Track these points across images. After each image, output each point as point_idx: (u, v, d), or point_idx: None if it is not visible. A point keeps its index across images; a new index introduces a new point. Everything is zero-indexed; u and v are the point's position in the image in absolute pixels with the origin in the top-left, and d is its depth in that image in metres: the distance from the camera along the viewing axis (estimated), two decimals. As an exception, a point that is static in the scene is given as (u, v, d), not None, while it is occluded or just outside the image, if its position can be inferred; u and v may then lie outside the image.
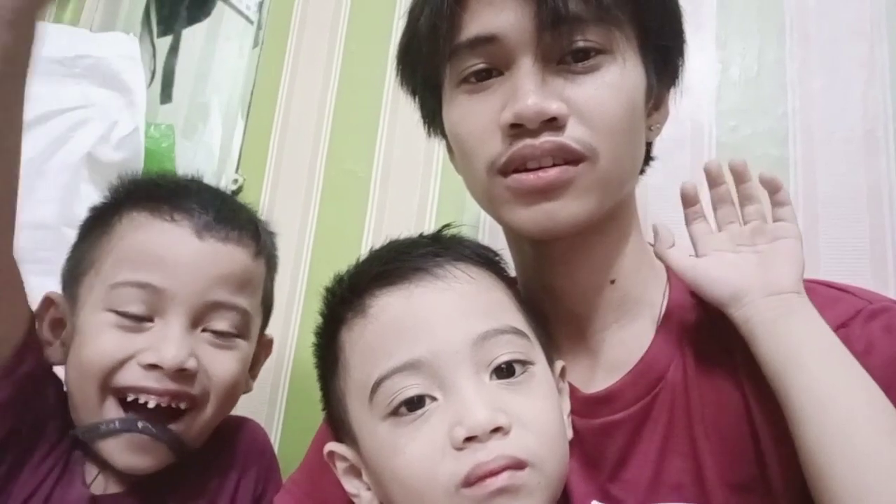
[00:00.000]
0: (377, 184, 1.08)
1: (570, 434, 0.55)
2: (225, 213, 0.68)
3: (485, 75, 0.56)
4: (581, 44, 0.53)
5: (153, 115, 1.19)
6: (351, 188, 1.09)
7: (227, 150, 1.16)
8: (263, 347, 0.77)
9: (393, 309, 0.53)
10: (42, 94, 1.01)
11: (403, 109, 1.10)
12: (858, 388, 0.47)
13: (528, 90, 0.52)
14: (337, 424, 0.58)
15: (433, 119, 0.67)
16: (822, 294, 0.53)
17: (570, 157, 0.53)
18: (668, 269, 0.63)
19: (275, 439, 0.99)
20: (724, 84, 0.91)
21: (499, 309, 0.54)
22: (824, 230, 0.82)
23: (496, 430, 0.47)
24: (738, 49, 0.92)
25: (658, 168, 0.69)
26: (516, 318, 0.54)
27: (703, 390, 0.55)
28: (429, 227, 1.01)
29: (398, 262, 0.55)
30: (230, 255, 0.67)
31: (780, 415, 0.49)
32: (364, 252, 1.01)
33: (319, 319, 0.59)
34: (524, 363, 0.52)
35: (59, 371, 0.67)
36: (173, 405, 0.64)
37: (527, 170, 0.54)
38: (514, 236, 0.64)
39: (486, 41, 0.55)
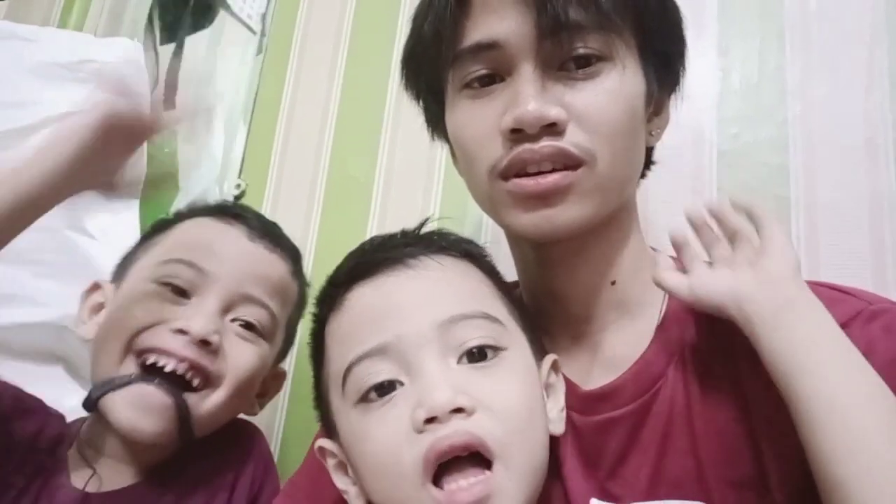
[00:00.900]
0: (379, 190, 1.08)
1: (560, 429, 0.56)
2: (276, 232, 0.78)
3: (487, 81, 0.57)
4: (581, 51, 0.54)
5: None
6: (353, 194, 1.09)
7: (229, 157, 1.17)
8: (275, 378, 0.80)
9: (365, 298, 0.55)
10: (46, 98, 1.01)
11: (406, 115, 1.11)
12: (869, 390, 0.46)
13: (529, 96, 0.53)
14: (324, 420, 0.59)
15: (437, 123, 0.68)
16: (823, 295, 0.52)
17: (570, 162, 0.54)
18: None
19: (275, 444, 0.99)
20: (725, 91, 0.92)
21: (470, 295, 0.55)
22: (825, 237, 0.82)
23: (457, 410, 0.48)
24: (738, 56, 0.92)
25: (659, 175, 0.69)
26: (490, 305, 0.55)
27: (703, 388, 0.55)
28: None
29: (373, 254, 0.57)
30: (272, 262, 0.74)
31: (778, 414, 0.49)
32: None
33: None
34: (496, 349, 0.52)
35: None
36: (188, 376, 0.66)
37: (527, 174, 0.55)
38: (516, 238, 0.64)
39: (488, 47, 0.56)
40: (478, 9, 0.56)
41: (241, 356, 0.70)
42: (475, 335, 0.52)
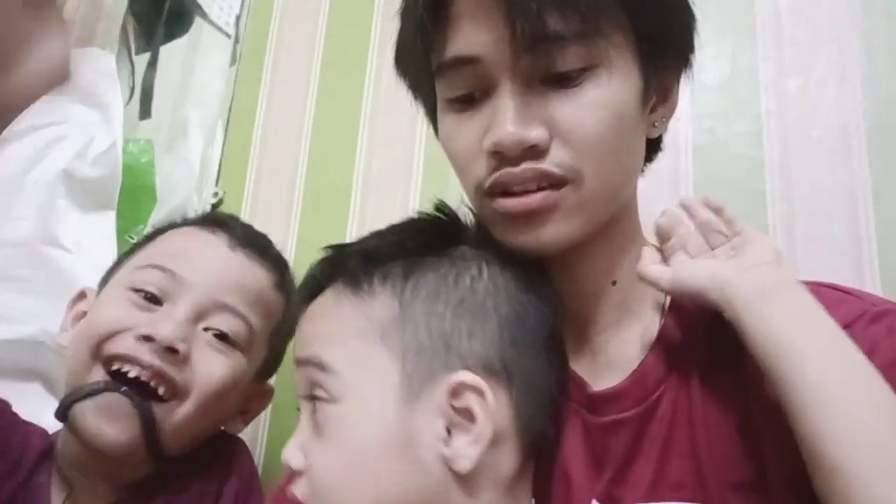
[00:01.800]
0: (357, 195, 1.08)
1: (461, 466, 0.48)
2: (261, 243, 0.76)
3: (469, 97, 0.55)
4: (561, 65, 0.52)
5: (132, 131, 1.18)
6: (331, 200, 1.09)
7: (206, 165, 1.16)
8: (261, 396, 0.78)
9: None
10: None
11: (382, 120, 1.11)
12: (854, 367, 0.45)
13: (507, 118, 0.51)
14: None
15: (435, 117, 0.65)
16: (826, 296, 0.52)
17: (553, 181, 0.52)
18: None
19: (259, 454, 0.98)
20: (699, 87, 0.92)
21: None
22: (802, 228, 0.82)
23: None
24: (711, 52, 0.93)
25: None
26: None
27: (705, 390, 0.55)
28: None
29: None
30: (252, 272, 0.72)
31: (780, 417, 0.48)
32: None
33: None
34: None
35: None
36: (152, 384, 0.64)
37: (512, 193, 0.53)
38: None
39: (467, 62, 0.54)
40: (455, 19, 0.54)
41: (210, 367, 0.67)
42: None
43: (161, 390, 0.65)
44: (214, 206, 1.13)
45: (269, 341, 0.76)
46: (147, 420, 0.64)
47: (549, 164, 0.52)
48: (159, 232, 0.77)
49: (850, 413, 0.43)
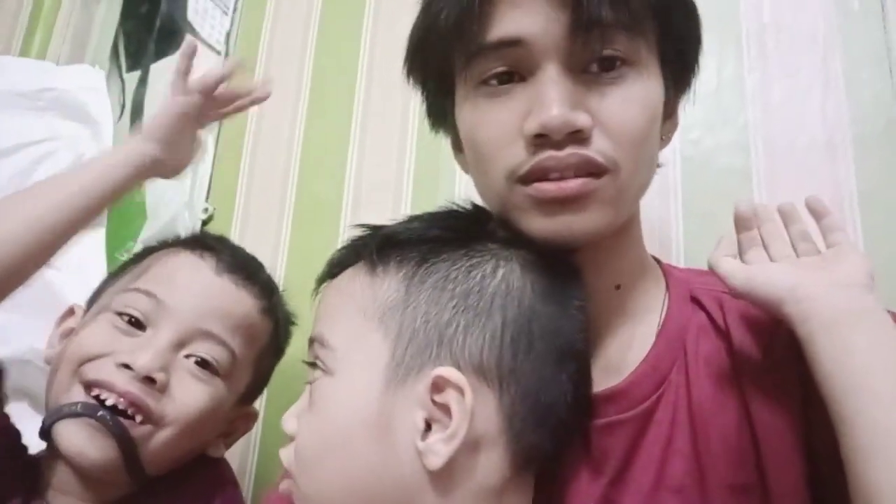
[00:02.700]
0: (348, 210, 1.08)
1: (433, 463, 0.46)
2: (250, 267, 0.75)
3: (506, 79, 0.55)
4: (608, 52, 0.52)
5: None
6: (321, 215, 1.09)
7: (197, 181, 1.16)
8: (245, 418, 0.78)
9: None
10: (6, 127, 1.00)
11: (372, 135, 1.11)
12: None
13: (554, 100, 0.51)
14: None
15: (441, 116, 0.66)
16: None
17: (594, 170, 0.52)
18: (667, 274, 0.64)
19: (249, 475, 0.97)
20: (684, 98, 0.93)
21: None
22: (789, 238, 0.83)
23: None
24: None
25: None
26: None
27: (704, 392, 0.55)
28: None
29: None
30: (237, 298, 0.72)
31: (779, 422, 0.48)
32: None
33: None
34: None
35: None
36: (129, 411, 0.64)
37: (548, 179, 0.53)
38: None
39: (511, 44, 0.53)
40: (504, 2, 0.53)
41: (189, 396, 0.67)
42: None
43: (137, 418, 0.65)
44: (205, 223, 1.13)
45: (254, 366, 0.75)
46: (125, 442, 0.64)
47: (594, 152, 0.52)
48: (148, 252, 0.77)
49: None
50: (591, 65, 0.53)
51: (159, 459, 0.67)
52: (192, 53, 0.71)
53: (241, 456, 0.97)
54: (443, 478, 0.46)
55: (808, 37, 0.89)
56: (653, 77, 0.55)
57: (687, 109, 0.91)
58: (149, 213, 1.12)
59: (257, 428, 0.99)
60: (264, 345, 0.75)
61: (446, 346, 0.48)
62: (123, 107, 1.25)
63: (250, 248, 1.12)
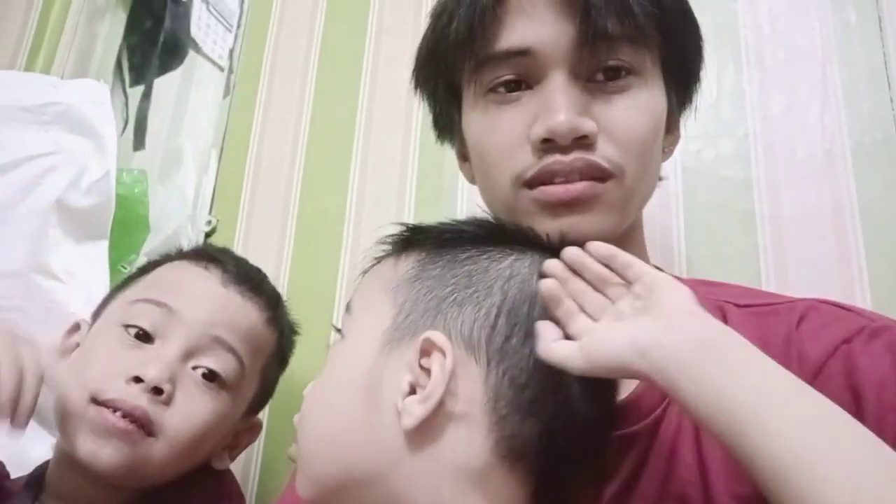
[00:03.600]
0: (350, 223, 1.08)
1: (407, 422, 0.46)
2: (255, 278, 0.76)
3: (514, 87, 0.57)
4: (613, 62, 0.55)
5: (126, 161, 1.19)
6: (324, 228, 1.09)
7: (200, 194, 1.16)
8: (249, 430, 0.78)
9: None
10: (9, 141, 1.01)
11: (375, 147, 1.12)
12: (834, 424, 0.38)
13: (561, 106, 0.53)
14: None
15: (448, 126, 0.67)
16: (825, 312, 0.52)
17: (599, 175, 0.54)
18: None
19: (251, 486, 0.97)
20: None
21: None
22: (791, 247, 0.83)
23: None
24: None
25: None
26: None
27: None
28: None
29: None
30: (244, 309, 0.72)
31: None
32: (339, 291, 1.02)
33: None
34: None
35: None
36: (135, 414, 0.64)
37: (554, 183, 0.54)
38: None
39: (519, 53, 0.55)
40: (513, 12, 0.56)
41: (193, 409, 0.67)
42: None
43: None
44: (208, 235, 1.13)
45: (260, 377, 0.75)
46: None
47: (599, 157, 0.54)
48: (153, 265, 0.77)
49: (837, 477, 0.35)
50: (596, 74, 0.55)
51: (159, 470, 0.67)
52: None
53: (243, 467, 0.97)
54: (418, 442, 0.46)
55: (807, 49, 0.90)
56: (656, 88, 0.57)
57: (688, 121, 0.92)
58: (152, 226, 1.13)
59: (260, 439, 0.99)
60: (270, 355, 0.75)
61: (441, 316, 0.48)
62: (126, 122, 1.26)
63: (253, 260, 1.12)
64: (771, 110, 0.89)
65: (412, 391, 0.46)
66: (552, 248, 0.52)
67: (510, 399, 0.47)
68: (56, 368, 0.69)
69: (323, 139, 1.15)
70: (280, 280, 1.07)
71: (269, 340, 0.75)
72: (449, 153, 0.72)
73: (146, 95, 1.30)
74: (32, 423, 0.90)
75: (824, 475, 0.35)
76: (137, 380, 0.64)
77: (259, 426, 0.79)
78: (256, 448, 0.99)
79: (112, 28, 1.33)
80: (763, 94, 0.90)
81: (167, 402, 0.65)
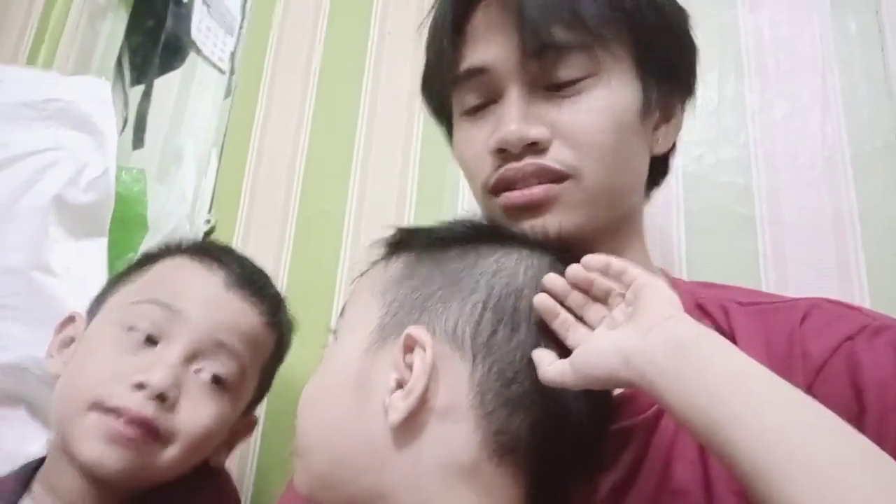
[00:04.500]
0: (350, 223, 1.08)
1: (393, 417, 0.46)
2: (258, 282, 0.75)
3: (482, 104, 0.61)
4: (564, 72, 0.57)
5: (125, 160, 1.19)
6: (324, 228, 1.09)
7: (199, 193, 1.16)
8: (246, 427, 0.78)
9: None
10: (10, 137, 1.00)
11: (376, 149, 1.12)
12: (817, 421, 0.37)
13: (511, 118, 0.57)
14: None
15: (451, 141, 0.71)
16: (828, 310, 0.53)
17: (554, 177, 0.57)
18: (673, 284, 0.64)
19: (247, 485, 0.97)
20: (687, 116, 0.94)
21: None
22: (791, 253, 0.83)
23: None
24: (698, 82, 0.95)
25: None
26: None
27: None
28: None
29: None
30: (245, 312, 0.72)
31: None
32: (338, 293, 1.01)
33: None
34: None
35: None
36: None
37: (515, 189, 0.58)
38: None
39: (478, 72, 0.60)
40: (470, 36, 0.61)
41: (198, 414, 0.66)
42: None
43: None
44: (207, 234, 1.13)
45: (259, 376, 0.75)
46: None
47: (550, 160, 0.57)
48: (150, 259, 0.75)
49: (820, 474, 0.34)
50: (552, 81, 0.58)
51: (161, 475, 0.66)
52: None
53: (238, 467, 0.97)
54: (404, 438, 0.46)
55: (808, 57, 0.91)
56: (619, 84, 0.59)
57: (688, 126, 0.93)
58: (150, 225, 1.12)
59: (256, 441, 0.99)
60: (269, 356, 0.75)
61: (427, 314, 0.49)
62: (126, 120, 1.25)
63: (252, 259, 1.12)
64: (772, 117, 0.90)
65: (399, 388, 0.47)
66: (542, 245, 0.53)
67: (497, 393, 0.47)
68: (54, 365, 0.69)
69: (324, 140, 1.15)
70: (279, 280, 1.07)
71: (268, 342, 0.75)
72: (450, 155, 0.72)
73: (146, 94, 1.29)
74: (25, 415, 0.90)
75: (795, 473, 0.34)
76: (141, 386, 0.63)
77: (254, 422, 0.79)
78: (252, 450, 0.98)
79: (114, 27, 1.33)
80: (764, 101, 0.91)
81: (172, 408, 0.64)
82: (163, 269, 0.73)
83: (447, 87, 0.64)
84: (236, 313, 0.71)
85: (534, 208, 0.56)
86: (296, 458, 0.51)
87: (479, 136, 0.60)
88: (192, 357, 0.67)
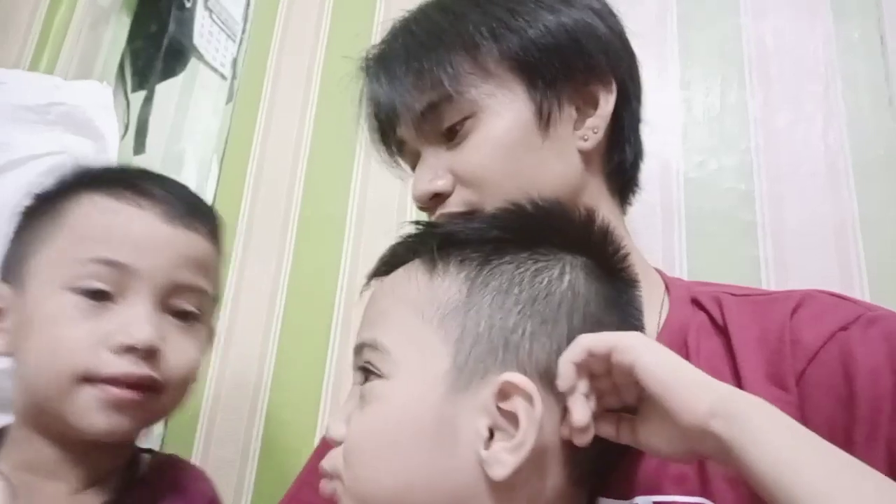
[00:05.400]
0: (352, 228, 1.08)
1: (498, 472, 0.44)
2: (189, 202, 0.70)
3: (411, 160, 0.67)
4: (447, 124, 0.61)
5: (126, 164, 1.19)
6: (325, 234, 1.09)
7: (201, 196, 1.16)
8: (209, 337, 0.74)
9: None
10: (13, 140, 1.01)
11: (377, 156, 1.12)
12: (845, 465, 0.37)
13: (416, 178, 0.64)
14: None
15: None
16: (822, 300, 0.53)
17: (463, 215, 0.60)
18: (667, 280, 0.65)
19: (248, 489, 0.96)
20: (689, 122, 0.94)
21: None
22: (792, 260, 0.83)
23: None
24: (700, 89, 0.95)
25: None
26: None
27: None
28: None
29: None
30: (194, 241, 0.68)
31: None
32: (339, 297, 1.00)
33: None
34: None
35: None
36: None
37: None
38: None
39: (401, 145, 0.67)
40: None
41: (183, 355, 0.65)
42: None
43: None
44: (208, 238, 1.13)
45: (215, 289, 0.72)
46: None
47: (454, 205, 0.61)
48: (54, 200, 0.67)
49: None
50: (442, 137, 0.62)
51: (160, 418, 0.67)
52: None
53: (238, 471, 0.96)
54: (504, 488, 0.45)
55: (810, 65, 0.91)
56: (504, 109, 0.61)
57: (690, 132, 0.93)
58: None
59: (257, 443, 0.98)
60: (218, 269, 0.73)
61: (512, 352, 0.46)
62: (127, 126, 1.26)
63: (253, 266, 1.13)
64: (774, 124, 0.90)
65: (490, 435, 0.45)
66: (584, 228, 0.52)
67: None
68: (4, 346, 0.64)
69: (325, 147, 1.16)
70: (279, 287, 1.07)
71: (216, 259, 0.72)
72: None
73: (148, 100, 1.30)
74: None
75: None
76: (129, 348, 0.60)
77: (212, 331, 0.75)
78: (252, 448, 0.98)
79: (116, 32, 1.34)
80: (766, 109, 0.91)
81: (160, 357, 0.63)
82: (85, 216, 0.65)
83: (390, 157, 0.71)
84: (186, 247, 0.67)
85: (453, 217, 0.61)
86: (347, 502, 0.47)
87: (410, 191, 0.67)
88: (158, 304, 0.64)
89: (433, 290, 0.49)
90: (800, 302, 0.55)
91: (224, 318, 1.07)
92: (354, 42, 1.22)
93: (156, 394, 0.63)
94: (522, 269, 0.49)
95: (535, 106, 0.61)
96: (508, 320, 0.47)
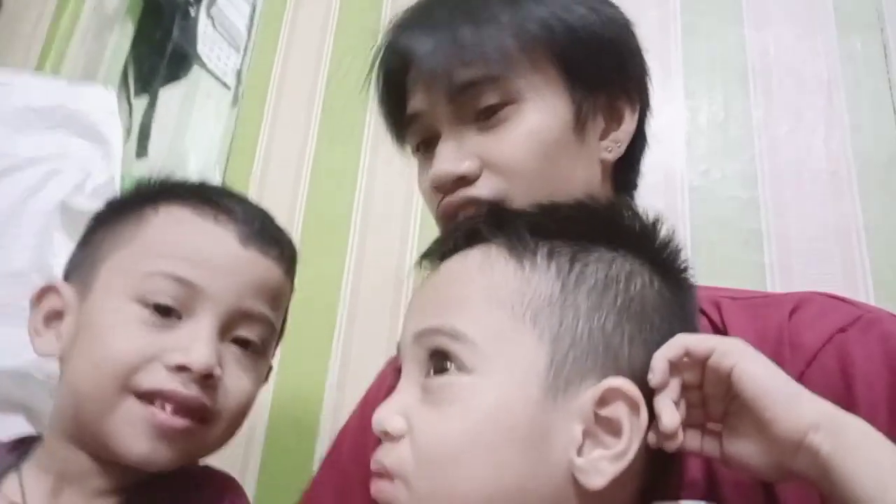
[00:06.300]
0: (356, 234, 1.08)
1: (595, 482, 0.42)
2: (268, 227, 0.67)
3: (427, 142, 0.64)
4: (481, 105, 0.60)
5: (128, 168, 1.18)
6: (330, 238, 1.09)
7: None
8: (266, 375, 0.74)
9: None
10: (18, 142, 1.01)
11: (382, 161, 1.12)
12: None
13: (440, 158, 0.61)
14: None
15: None
16: (821, 302, 0.53)
17: (482, 205, 0.59)
18: None
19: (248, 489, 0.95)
20: (693, 131, 0.95)
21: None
22: (797, 266, 0.84)
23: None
24: (704, 98, 0.96)
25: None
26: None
27: None
28: (408, 276, 1.01)
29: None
30: (268, 268, 0.65)
31: None
32: (342, 305, 0.99)
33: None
34: None
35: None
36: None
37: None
38: None
39: (415, 118, 0.64)
40: (410, 86, 0.65)
41: (239, 386, 0.61)
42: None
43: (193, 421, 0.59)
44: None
45: (281, 325, 0.69)
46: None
47: (479, 190, 0.59)
48: (136, 206, 0.65)
49: None
50: (478, 116, 0.61)
51: (205, 455, 0.63)
52: None
53: (241, 465, 0.96)
54: (591, 497, 0.43)
55: (813, 75, 0.92)
56: (543, 104, 0.60)
57: (695, 141, 0.94)
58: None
59: (260, 440, 0.98)
60: (287, 304, 0.70)
61: (611, 356, 0.44)
62: (129, 130, 1.26)
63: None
64: (777, 133, 0.91)
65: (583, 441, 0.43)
66: (653, 232, 0.50)
67: None
68: (45, 344, 0.62)
69: (328, 157, 1.16)
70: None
71: (288, 291, 0.69)
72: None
73: (151, 105, 1.30)
74: (24, 423, 0.88)
75: None
76: (183, 368, 0.57)
77: (271, 368, 0.72)
78: (254, 453, 0.97)
79: (121, 38, 1.34)
80: (769, 117, 0.92)
81: (216, 387, 0.59)
82: (161, 227, 0.64)
83: (397, 131, 0.69)
84: (260, 271, 0.64)
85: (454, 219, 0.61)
86: None
87: (424, 177, 0.64)
88: (223, 330, 0.61)
89: (522, 281, 0.46)
90: (798, 304, 0.55)
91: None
92: (358, 53, 1.23)
93: (204, 425, 0.60)
94: (615, 271, 0.47)
95: (576, 108, 0.61)
96: (607, 323, 0.45)
